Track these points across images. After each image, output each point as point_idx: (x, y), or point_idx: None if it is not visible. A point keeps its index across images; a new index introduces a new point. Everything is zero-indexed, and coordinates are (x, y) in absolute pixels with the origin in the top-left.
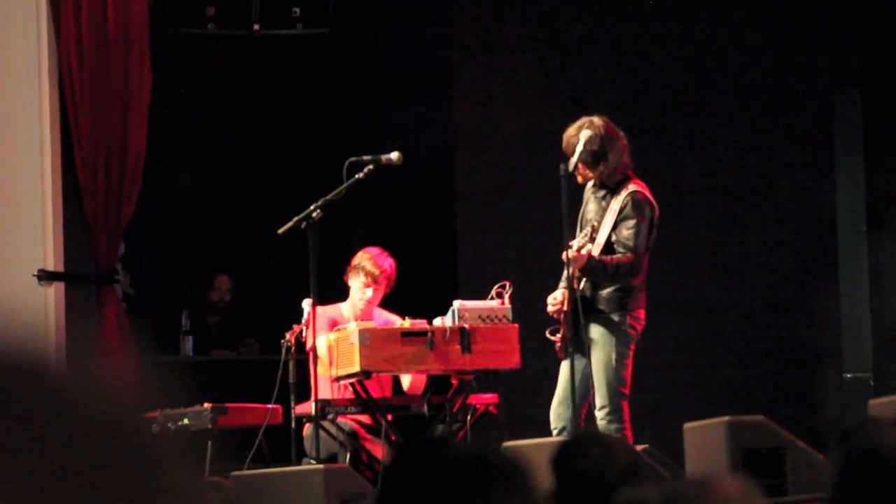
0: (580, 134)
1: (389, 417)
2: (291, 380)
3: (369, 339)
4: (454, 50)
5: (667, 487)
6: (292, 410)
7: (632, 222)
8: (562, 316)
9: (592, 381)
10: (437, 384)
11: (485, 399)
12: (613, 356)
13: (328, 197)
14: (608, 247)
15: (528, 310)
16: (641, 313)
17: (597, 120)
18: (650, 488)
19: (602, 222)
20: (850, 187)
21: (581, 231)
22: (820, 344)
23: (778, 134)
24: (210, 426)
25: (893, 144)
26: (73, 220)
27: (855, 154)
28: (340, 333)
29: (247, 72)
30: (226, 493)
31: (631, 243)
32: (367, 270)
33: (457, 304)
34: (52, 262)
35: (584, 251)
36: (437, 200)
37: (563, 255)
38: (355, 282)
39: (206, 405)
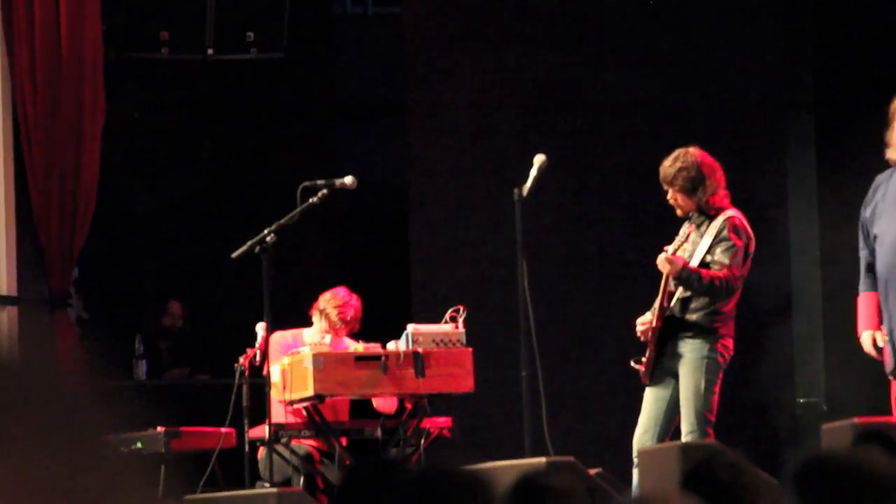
0: (539, 164)
1: (343, 441)
2: (245, 403)
3: (323, 364)
4: (408, 76)
5: None
6: (246, 434)
7: (728, 244)
8: (650, 337)
9: (680, 409)
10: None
11: (439, 423)
12: (703, 384)
13: (282, 221)
14: (702, 267)
15: (482, 334)
16: (730, 342)
17: (692, 149)
18: None
19: (698, 245)
20: (803, 212)
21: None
22: (773, 369)
23: (732, 159)
24: (163, 450)
25: (845, 169)
26: (27, 245)
27: (808, 180)
28: (294, 357)
29: (201, 97)
30: None
31: (727, 261)
32: (331, 320)
33: (410, 327)
34: (6, 287)
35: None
36: (391, 224)
37: (659, 259)
38: (318, 324)
39: (159, 429)
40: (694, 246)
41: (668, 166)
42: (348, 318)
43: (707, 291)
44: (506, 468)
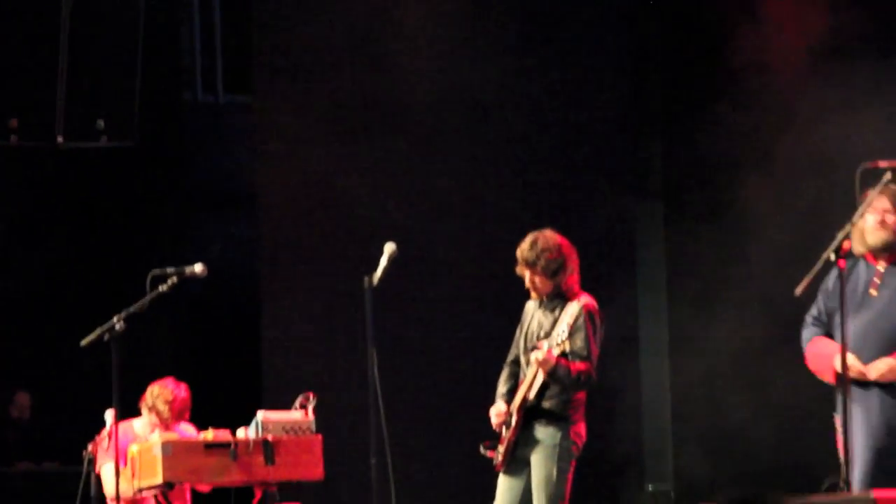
0: (389, 252)
1: None
2: (93, 493)
3: (172, 451)
4: (259, 162)
5: None
6: None
7: (583, 334)
8: (513, 426)
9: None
10: (240, 494)
11: None
12: (554, 472)
13: (131, 308)
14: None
15: (332, 422)
16: (583, 429)
17: (548, 232)
18: None
19: (552, 329)
20: (652, 310)
21: (527, 343)
22: (621, 455)
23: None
24: None
25: (693, 267)
26: None
27: (657, 272)
28: (143, 445)
29: (51, 184)
30: None
31: (586, 353)
32: (161, 416)
33: (260, 414)
34: None
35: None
36: (243, 312)
37: (532, 356)
38: (147, 417)
39: None
40: (544, 328)
41: (528, 250)
42: (177, 411)
43: (574, 385)
44: None
